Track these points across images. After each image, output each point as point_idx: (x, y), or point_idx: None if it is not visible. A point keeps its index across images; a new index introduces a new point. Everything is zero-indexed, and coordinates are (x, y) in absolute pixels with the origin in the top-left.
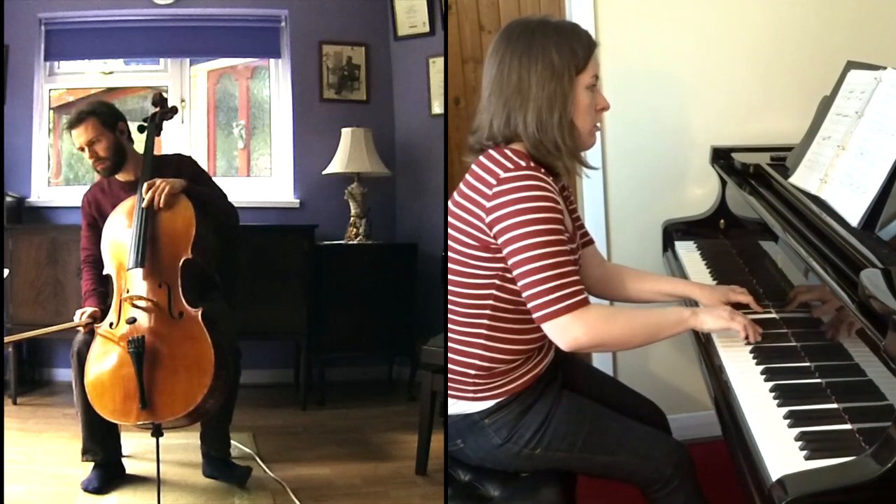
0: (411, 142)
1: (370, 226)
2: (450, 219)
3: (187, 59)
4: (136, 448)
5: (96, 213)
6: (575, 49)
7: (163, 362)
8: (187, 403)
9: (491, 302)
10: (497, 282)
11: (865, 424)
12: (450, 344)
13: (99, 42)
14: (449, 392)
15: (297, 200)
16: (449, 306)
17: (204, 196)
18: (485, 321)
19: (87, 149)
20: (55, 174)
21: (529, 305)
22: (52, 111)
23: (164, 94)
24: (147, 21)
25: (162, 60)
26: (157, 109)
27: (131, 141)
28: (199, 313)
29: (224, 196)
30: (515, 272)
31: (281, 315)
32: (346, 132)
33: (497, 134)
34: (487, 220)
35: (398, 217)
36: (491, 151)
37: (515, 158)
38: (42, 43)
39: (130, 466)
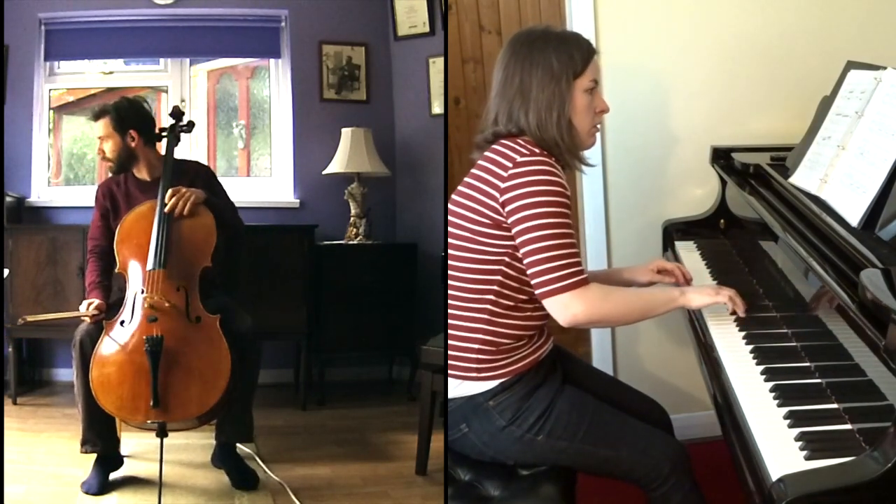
0: (411, 142)
1: (370, 226)
2: (457, 198)
3: (187, 59)
4: (138, 448)
5: (109, 205)
6: (573, 55)
7: (179, 364)
8: (201, 406)
9: (499, 278)
10: (507, 259)
11: (865, 424)
12: (453, 322)
13: (99, 42)
14: (452, 374)
15: (297, 200)
16: (451, 283)
17: (219, 209)
18: (490, 297)
19: (100, 142)
20: (55, 174)
21: (533, 281)
22: (52, 111)
23: (182, 108)
24: (147, 21)
25: (162, 60)
26: (175, 122)
27: (151, 144)
28: (217, 320)
29: (235, 210)
30: (523, 250)
31: (281, 315)
32: (346, 132)
33: (502, 129)
34: (501, 199)
35: (398, 217)
36: (504, 141)
37: (529, 147)
38: (42, 43)
39: (131, 466)
